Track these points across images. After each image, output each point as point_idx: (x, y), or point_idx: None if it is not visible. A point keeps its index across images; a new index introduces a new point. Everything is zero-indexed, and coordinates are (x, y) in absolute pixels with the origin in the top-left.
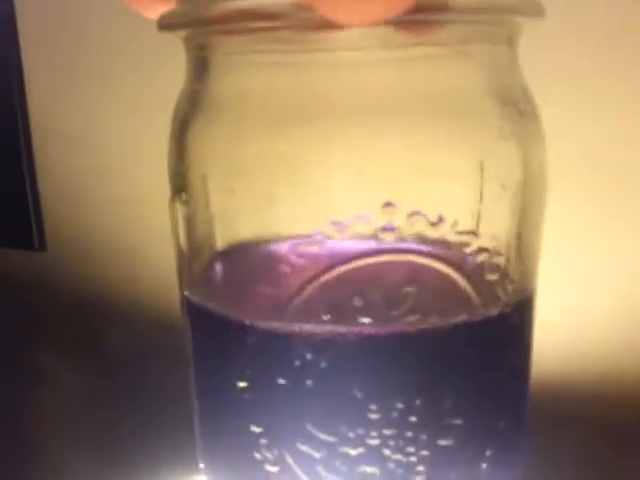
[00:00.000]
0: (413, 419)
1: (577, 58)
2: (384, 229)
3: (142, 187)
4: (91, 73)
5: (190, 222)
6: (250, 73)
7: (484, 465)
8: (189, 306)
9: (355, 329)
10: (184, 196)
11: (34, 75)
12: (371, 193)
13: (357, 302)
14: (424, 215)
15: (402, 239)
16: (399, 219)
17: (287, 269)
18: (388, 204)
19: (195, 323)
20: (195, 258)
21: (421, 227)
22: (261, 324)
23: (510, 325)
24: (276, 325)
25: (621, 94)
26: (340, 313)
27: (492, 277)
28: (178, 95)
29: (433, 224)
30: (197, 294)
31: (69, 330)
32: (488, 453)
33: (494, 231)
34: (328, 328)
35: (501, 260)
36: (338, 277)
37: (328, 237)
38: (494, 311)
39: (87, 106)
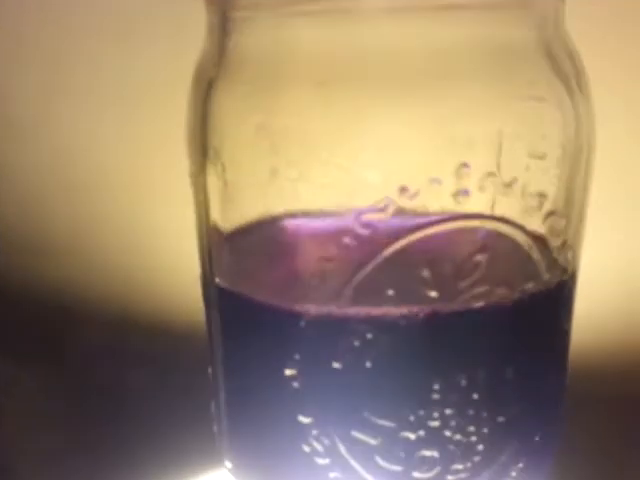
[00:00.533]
0: (475, 396)
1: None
2: (458, 193)
3: (97, 175)
4: (41, 56)
5: (228, 195)
6: (270, 32)
7: (537, 438)
8: (222, 293)
9: (423, 304)
10: (218, 166)
11: None
12: (435, 155)
13: (425, 274)
14: (498, 176)
15: (474, 203)
16: (472, 182)
17: (350, 241)
18: (464, 165)
19: (230, 310)
20: (232, 238)
21: (494, 189)
22: (316, 306)
23: (568, 295)
24: (333, 306)
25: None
26: (406, 288)
27: (556, 243)
28: (199, 58)
29: (507, 185)
30: (233, 279)
31: (25, 334)
32: (540, 427)
33: (555, 193)
34: (392, 304)
35: (562, 224)
36: (404, 249)
37: (395, 204)
38: (557, 279)
39: (37, 93)
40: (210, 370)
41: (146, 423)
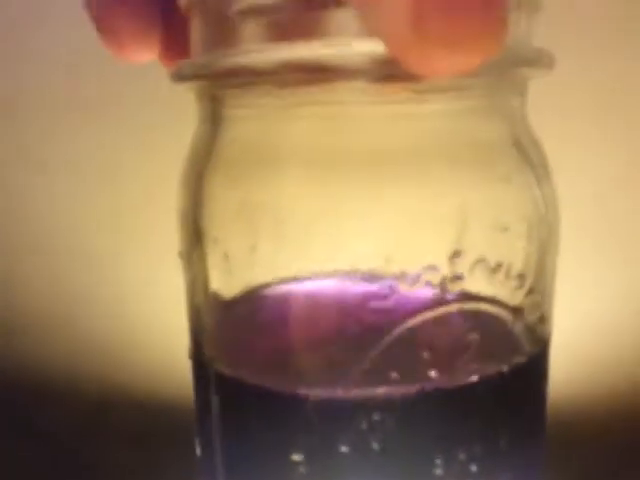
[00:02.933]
0: (474, 468)
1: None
2: (453, 278)
3: (76, 253)
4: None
5: (226, 272)
6: (258, 124)
7: None
8: (220, 378)
9: (426, 383)
10: (208, 244)
11: None
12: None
13: (426, 356)
14: (487, 262)
15: (467, 288)
16: (464, 267)
17: (355, 326)
18: (456, 253)
19: (230, 396)
20: (228, 315)
21: (484, 274)
22: (322, 390)
23: (546, 362)
24: (340, 389)
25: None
26: (408, 369)
27: (534, 317)
28: (190, 144)
29: (493, 270)
30: (230, 363)
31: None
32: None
33: (530, 272)
34: (398, 385)
35: (538, 299)
36: (406, 332)
37: (396, 290)
38: (537, 350)
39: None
40: (199, 453)
41: None
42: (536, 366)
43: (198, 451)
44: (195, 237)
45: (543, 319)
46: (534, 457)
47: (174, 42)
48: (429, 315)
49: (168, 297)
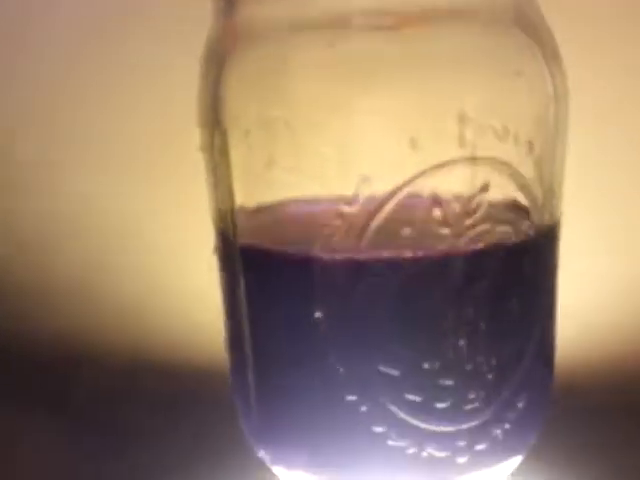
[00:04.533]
0: (483, 326)
1: None
2: (460, 140)
3: (101, 220)
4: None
5: (247, 167)
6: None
7: (536, 373)
8: (247, 254)
9: (436, 241)
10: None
11: None
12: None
13: (436, 213)
14: (493, 127)
15: (474, 151)
16: (472, 131)
17: (368, 186)
18: (463, 115)
19: (256, 270)
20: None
21: (490, 138)
22: (339, 252)
23: (556, 238)
24: (355, 250)
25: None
26: (421, 226)
27: (543, 188)
28: (207, 34)
29: (502, 134)
30: (259, 240)
31: (33, 380)
32: (538, 366)
33: (540, 145)
34: (409, 242)
35: (549, 173)
36: (414, 192)
37: (407, 151)
38: (547, 223)
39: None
40: (226, 339)
41: (157, 466)
42: (545, 239)
43: (225, 331)
44: (216, 129)
45: (552, 192)
46: (542, 331)
47: None
48: (437, 174)
49: (195, 263)
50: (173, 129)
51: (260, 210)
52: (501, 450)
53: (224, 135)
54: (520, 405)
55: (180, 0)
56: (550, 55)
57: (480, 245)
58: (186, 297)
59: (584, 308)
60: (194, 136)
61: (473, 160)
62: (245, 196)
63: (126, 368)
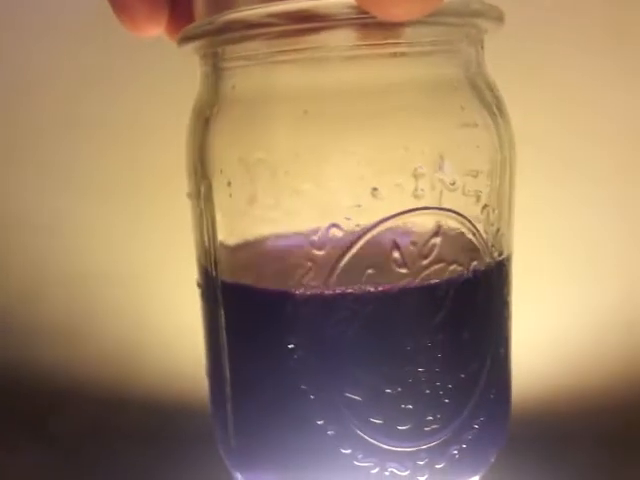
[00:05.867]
0: (439, 355)
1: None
2: (414, 192)
3: (86, 264)
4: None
5: (229, 210)
6: (252, 72)
7: (492, 396)
8: (228, 289)
9: (394, 280)
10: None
11: None
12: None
13: (395, 255)
14: (443, 181)
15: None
16: (425, 184)
17: (336, 231)
18: (418, 170)
19: (235, 303)
20: (233, 246)
21: (441, 190)
22: (312, 286)
23: (506, 272)
24: (324, 287)
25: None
26: (382, 267)
27: (491, 230)
28: (195, 98)
29: (451, 185)
30: (239, 276)
31: (11, 415)
32: (493, 389)
33: (486, 192)
34: (372, 281)
35: (496, 215)
36: (378, 234)
37: (369, 201)
38: (495, 259)
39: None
40: (207, 366)
41: None
42: (495, 274)
43: (206, 360)
44: (202, 179)
45: (500, 233)
46: (496, 356)
47: (180, 18)
48: (395, 222)
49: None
50: (163, 177)
51: (240, 248)
52: (459, 469)
53: (209, 185)
54: (476, 426)
55: (175, 62)
56: (496, 111)
57: (434, 282)
58: (170, 332)
59: (550, 338)
60: (181, 183)
61: (426, 210)
62: (227, 235)
63: (110, 401)
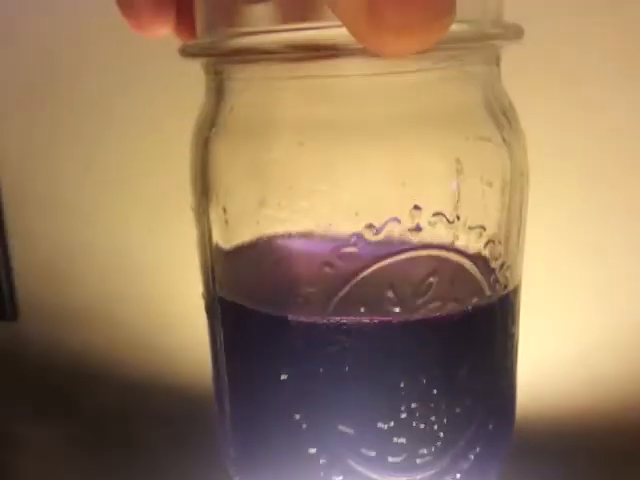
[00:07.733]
0: (434, 391)
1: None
2: (412, 229)
3: (119, 256)
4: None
5: (228, 225)
6: (257, 95)
7: (490, 427)
8: (225, 306)
9: (387, 318)
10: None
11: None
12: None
13: (389, 294)
14: (444, 215)
15: (425, 237)
16: (424, 220)
17: (329, 269)
18: (416, 207)
19: (232, 322)
20: (232, 259)
21: (441, 225)
22: (305, 319)
23: (511, 305)
24: (319, 319)
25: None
26: (375, 305)
27: (495, 264)
28: (197, 115)
29: (450, 222)
30: (234, 294)
31: (42, 399)
32: (491, 418)
33: (493, 224)
34: (365, 317)
35: (500, 250)
36: (372, 274)
37: (363, 239)
38: (499, 294)
39: (59, 169)
40: (212, 375)
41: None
42: (497, 309)
43: (212, 371)
44: (203, 194)
45: (505, 267)
46: (496, 390)
47: (187, 17)
48: (392, 260)
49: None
50: (172, 186)
51: (238, 264)
52: None
53: (207, 205)
54: (472, 456)
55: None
56: (509, 138)
57: (430, 318)
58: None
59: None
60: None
61: (425, 249)
62: (225, 242)
63: (136, 386)
